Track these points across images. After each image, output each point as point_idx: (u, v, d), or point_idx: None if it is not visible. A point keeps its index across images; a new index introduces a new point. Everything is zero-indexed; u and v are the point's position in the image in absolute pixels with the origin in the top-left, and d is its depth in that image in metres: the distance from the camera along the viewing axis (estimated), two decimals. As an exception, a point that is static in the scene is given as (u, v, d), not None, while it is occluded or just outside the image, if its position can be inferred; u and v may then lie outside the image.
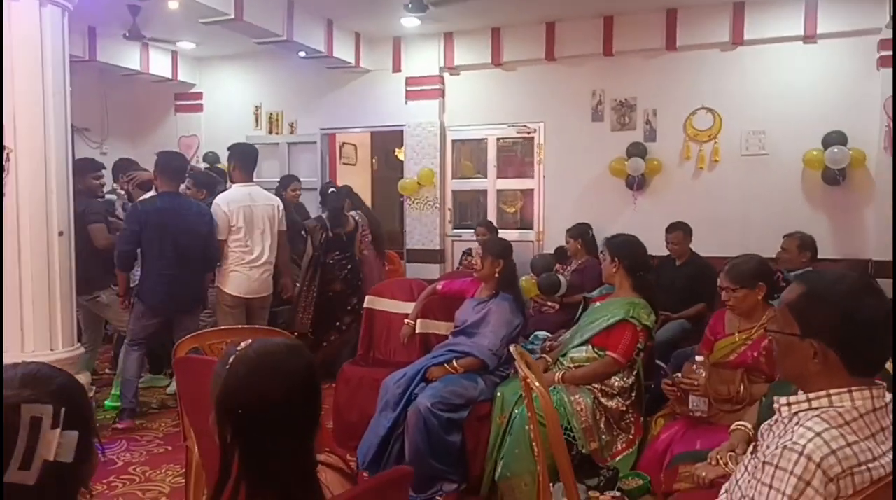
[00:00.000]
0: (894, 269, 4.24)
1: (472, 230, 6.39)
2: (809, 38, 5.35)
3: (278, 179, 6.93)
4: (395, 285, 4.46)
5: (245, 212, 4.32)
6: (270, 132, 7.28)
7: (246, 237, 4.33)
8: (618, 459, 2.88)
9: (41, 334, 3.65)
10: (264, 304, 4.52)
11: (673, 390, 2.59)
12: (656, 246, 4.46)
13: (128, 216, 4.23)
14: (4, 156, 3.57)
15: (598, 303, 3.22)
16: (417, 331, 3.81)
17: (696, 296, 4.56)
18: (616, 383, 2.92)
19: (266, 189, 4.65)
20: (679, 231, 4.79)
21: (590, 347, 3.03)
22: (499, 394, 3.15)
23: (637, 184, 5.83)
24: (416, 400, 3.15)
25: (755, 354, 2.54)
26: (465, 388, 3.19)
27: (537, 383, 2.08)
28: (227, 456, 1.21)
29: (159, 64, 6.94)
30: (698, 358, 2.32)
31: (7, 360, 3.66)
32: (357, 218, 5.37)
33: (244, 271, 4.33)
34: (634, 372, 2.96)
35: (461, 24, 6.19)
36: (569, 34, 6.02)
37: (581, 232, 5.26)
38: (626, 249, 3.18)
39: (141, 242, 4.05)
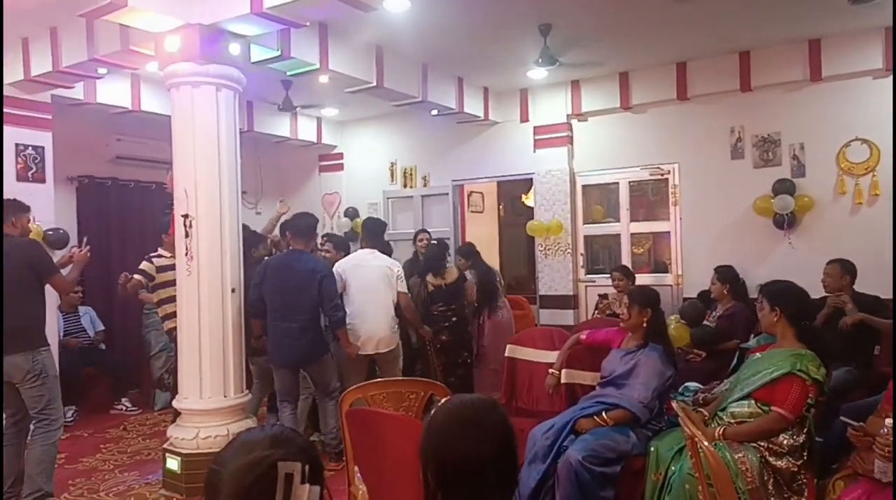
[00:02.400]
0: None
1: (606, 275, 6.31)
2: (980, 57, 4.89)
3: (413, 231, 7.29)
4: (536, 333, 4.48)
5: (358, 273, 4.59)
6: (405, 186, 7.65)
7: (359, 297, 4.54)
8: (791, 524, 2.68)
9: (217, 382, 4.03)
10: (389, 358, 4.67)
11: (867, 440, 2.36)
12: (812, 289, 4.17)
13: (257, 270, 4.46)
14: (188, 223, 4.05)
15: (757, 354, 3.06)
16: (563, 381, 3.79)
17: (867, 339, 4.18)
18: (785, 441, 2.74)
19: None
20: (836, 265, 4.45)
21: (752, 401, 2.87)
22: (653, 449, 3.06)
23: (787, 222, 5.50)
24: (566, 453, 3.12)
25: (951, 413, 2.30)
26: (617, 441, 3.12)
27: (706, 443, 2.01)
28: None
29: (306, 130, 7.57)
30: (888, 421, 2.13)
31: (187, 405, 4.04)
32: (469, 276, 5.51)
33: (359, 327, 4.51)
34: (805, 430, 2.76)
35: (588, 72, 6.25)
36: (702, 73, 5.89)
37: (731, 276, 5.02)
38: (787, 296, 3.01)
39: (262, 294, 4.28)
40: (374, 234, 4.84)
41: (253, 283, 4.32)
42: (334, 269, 4.57)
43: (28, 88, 5.05)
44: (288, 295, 4.22)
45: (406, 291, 4.77)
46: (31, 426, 3.64)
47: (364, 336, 4.53)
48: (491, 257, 7.41)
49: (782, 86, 5.65)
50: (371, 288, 4.59)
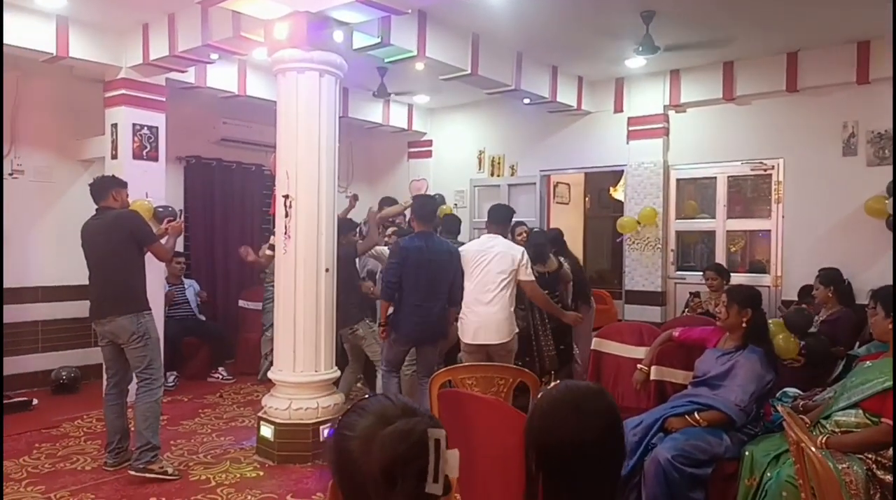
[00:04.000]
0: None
1: (697, 273, 6.10)
2: None
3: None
4: (624, 328, 4.40)
5: (481, 259, 4.41)
6: (492, 175, 7.65)
7: (477, 283, 4.39)
8: (897, 543, 2.53)
9: (308, 358, 4.19)
10: (502, 351, 4.37)
11: None
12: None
13: (391, 252, 4.66)
14: (288, 203, 4.21)
15: (868, 362, 2.89)
16: (651, 378, 3.70)
17: None
18: None
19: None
20: None
21: (860, 411, 2.71)
22: (747, 453, 2.95)
23: (902, 225, 5.13)
24: (654, 450, 3.06)
25: None
26: (710, 443, 3.03)
27: (813, 449, 1.93)
28: (532, 487, 1.30)
29: (397, 116, 7.71)
30: None
31: (281, 377, 4.20)
32: (564, 263, 5.40)
33: (472, 316, 4.36)
34: (920, 445, 2.59)
35: (689, 61, 6.03)
36: (814, 63, 5.57)
37: (835, 279, 4.73)
38: (904, 303, 2.83)
39: (401, 275, 4.36)
40: (497, 218, 4.65)
41: (394, 264, 4.40)
42: (462, 252, 4.54)
43: (146, 71, 5.39)
44: (433, 275, 4.37)
45: (531, 278, 4.48)
46: (135, 386, 3.90)
47: (473, 323, 4.36)
48: (575, 250, 7.28)
49: (904, 78, 5.25)
50: (493, 276, 4.37)
